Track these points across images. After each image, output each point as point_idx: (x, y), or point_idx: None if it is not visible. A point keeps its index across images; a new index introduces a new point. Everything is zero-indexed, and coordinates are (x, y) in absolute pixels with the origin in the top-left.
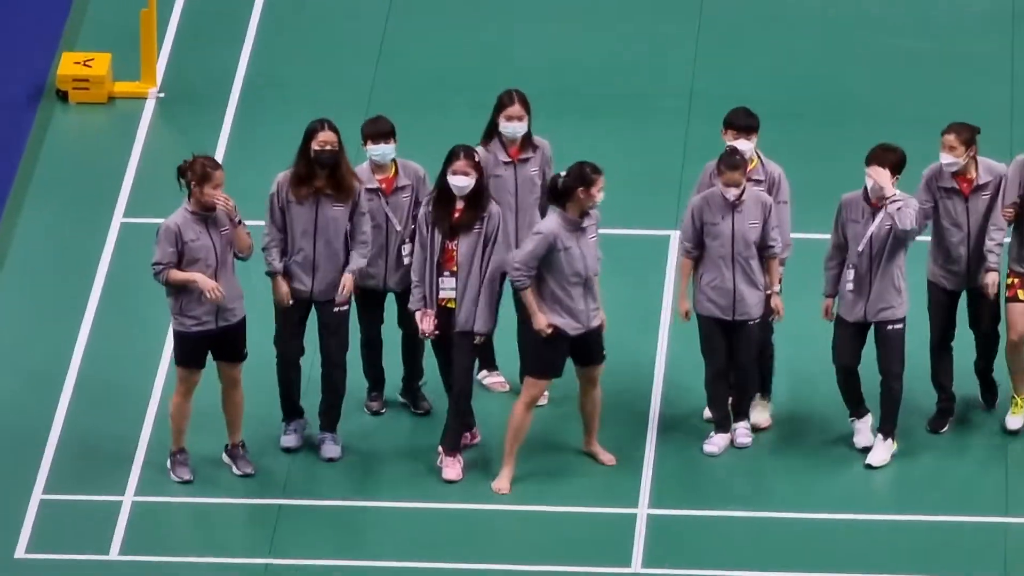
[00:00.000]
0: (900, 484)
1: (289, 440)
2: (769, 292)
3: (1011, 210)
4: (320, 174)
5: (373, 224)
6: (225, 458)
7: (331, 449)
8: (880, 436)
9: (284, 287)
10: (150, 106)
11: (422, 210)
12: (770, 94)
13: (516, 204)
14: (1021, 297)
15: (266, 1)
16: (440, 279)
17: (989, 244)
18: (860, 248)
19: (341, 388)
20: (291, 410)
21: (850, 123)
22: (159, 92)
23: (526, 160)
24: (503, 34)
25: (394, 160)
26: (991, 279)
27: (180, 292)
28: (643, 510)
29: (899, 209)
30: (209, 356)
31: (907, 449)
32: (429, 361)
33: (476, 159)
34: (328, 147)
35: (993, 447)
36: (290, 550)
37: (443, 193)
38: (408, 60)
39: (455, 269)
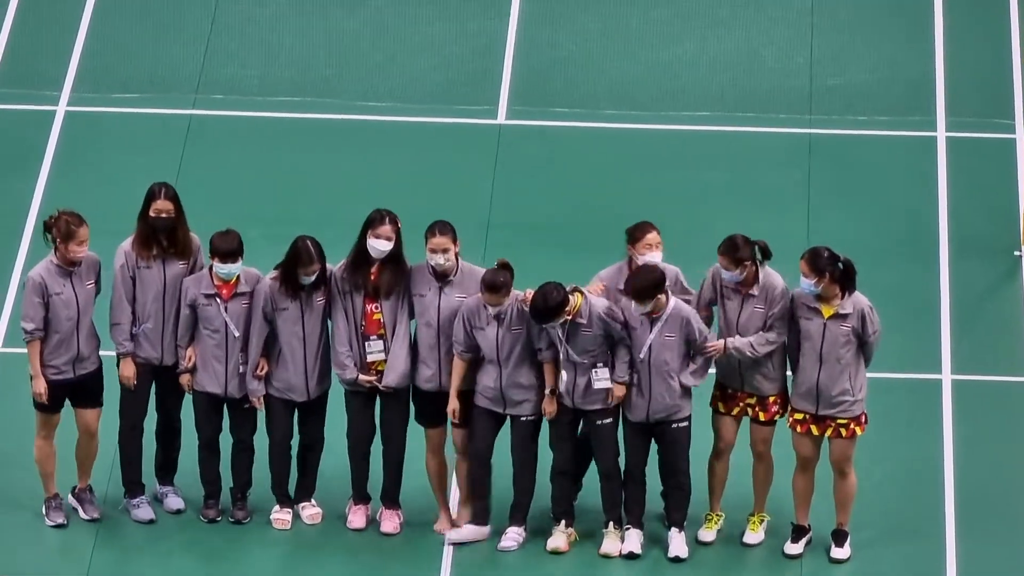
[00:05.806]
0: None
1: (145, 512)
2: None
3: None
4: (160, 236)
5: (212, 329)
6: (72, 500)
7: (175, 501)
8: (675, 529)
9: (132, 368)
10: None
11: (337, 278)
12: (566, 226)
13: (304, 335)
14: (722, 410)
15: (61, 134)
16: (367, 343)
17: None
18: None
19: (179, 444)
20: (136, 483)
21: None
22: None
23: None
24: (301, 162)
25: None
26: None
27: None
28: None
29: None
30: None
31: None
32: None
33: (398, 224)
34: (164, 215)
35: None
36: None
37: (359, 257)
38: (204, 191)
39: (381, 332)
